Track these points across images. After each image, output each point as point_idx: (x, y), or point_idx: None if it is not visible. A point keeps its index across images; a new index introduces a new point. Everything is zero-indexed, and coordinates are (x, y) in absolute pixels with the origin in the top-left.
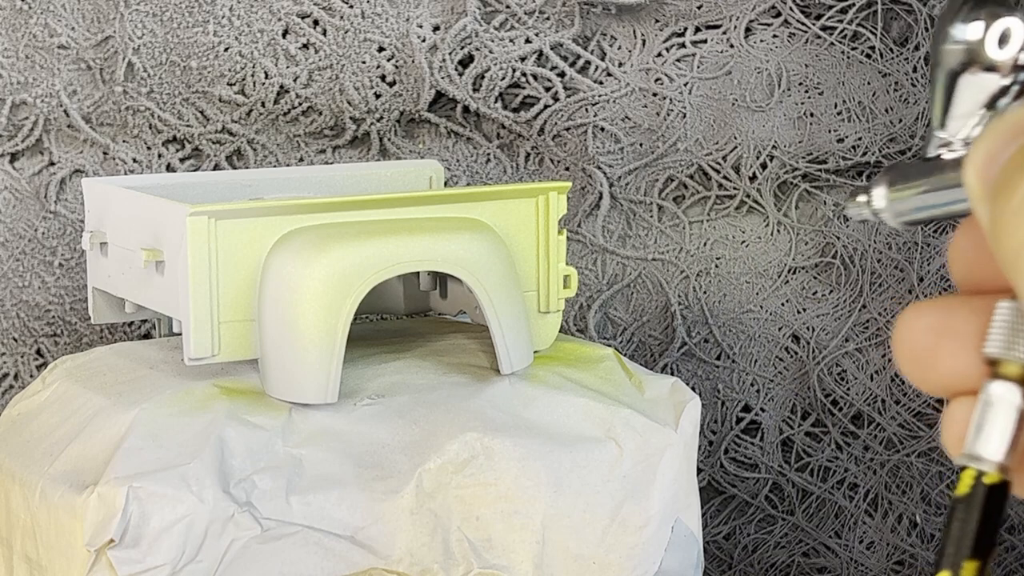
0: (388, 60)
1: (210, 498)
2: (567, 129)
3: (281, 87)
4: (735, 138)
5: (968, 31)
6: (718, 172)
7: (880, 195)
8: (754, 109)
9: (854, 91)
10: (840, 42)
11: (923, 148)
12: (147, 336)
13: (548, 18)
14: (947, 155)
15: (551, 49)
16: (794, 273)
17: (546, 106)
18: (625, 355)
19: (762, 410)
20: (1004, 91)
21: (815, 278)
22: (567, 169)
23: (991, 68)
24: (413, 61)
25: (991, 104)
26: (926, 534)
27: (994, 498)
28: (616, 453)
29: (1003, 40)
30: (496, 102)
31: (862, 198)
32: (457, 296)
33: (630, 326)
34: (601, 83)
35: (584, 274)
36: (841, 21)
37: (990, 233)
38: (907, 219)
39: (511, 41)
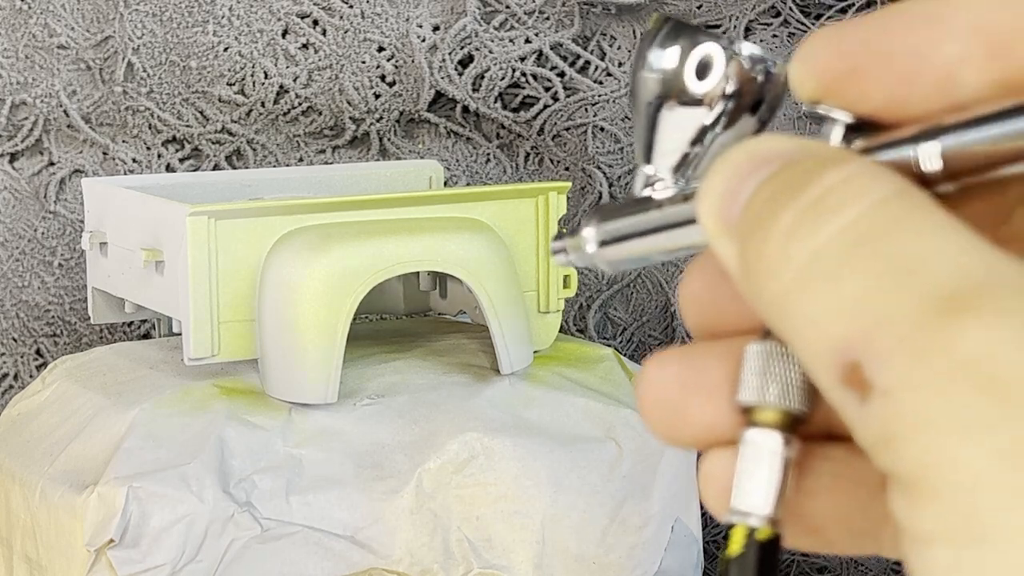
0: (388, 60)
1: (210, 498)
2: (567, 129)
3: (281, 87)
4: None
5: (664, 59)
6: None
7: (590, 239)
8: None
9: None
10: None
11: (630, 186)
12: (147, 336)
13: (548, 18)
14: (658, 192)
15: (551, 49)
16: None
17: (546, 106)
18: (625, 355)
19: None
20: (712, 125)
21: None
22: (567, 169)
23: (692, 101)
24: (413, 61)
25: (699, 139)
26: None
27: (768, 554)
28: (616, 453)
29: (703, 70)
30: (496, 102)
31: (567, 242)
32: (457, 296)
33: (630, 326)
34: (601, 83)
35: (584, 274)
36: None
37: (744, 276)
38: (622, 263)
39: (511, 41)
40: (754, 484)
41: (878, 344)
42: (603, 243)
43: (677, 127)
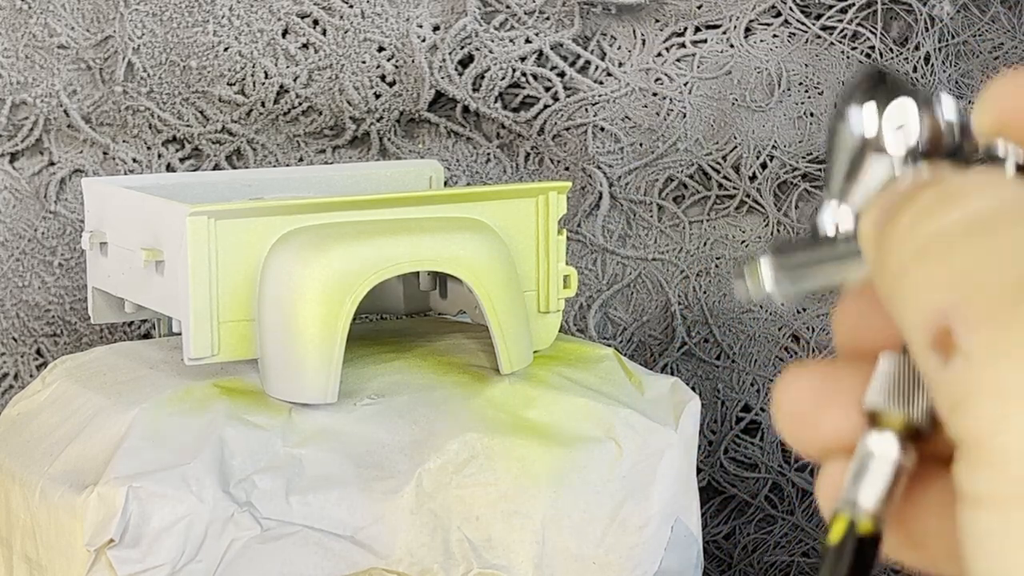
0: (388, 60)
1: (210, 498)
2: (567, 129)
3: (281, 87)
4: (735, 138)
5: (865, 118)
6: (718, 172)
7: (769, 276)
8: (754, 109)
9: None
10: (840, 42)
11: (812, 223)
12: (147, 336)
13: (548, 18)
14: (836, 230)
15: (551, 49)
16: None
17: (546, 106)
18: (625, 355)
19: (762, 410)
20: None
21: None
22: (567, 169)
23: (887, 151)
24: (413, 61)
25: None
26: None
27: (865, 550)
28: (616, 453)
29: (900, 127)
30: (496, 102)
31: (749, 281)
32: (457, 296)
33: (630, 326)
34: (601, 83)
35: (584, 274)
36: (841, 21)
37: (875, 264)
38: (797, 295)
39: (511, 41)
40: (865, 481)
41: (970, 312)
42: (782, 278)
43: (871, 175)
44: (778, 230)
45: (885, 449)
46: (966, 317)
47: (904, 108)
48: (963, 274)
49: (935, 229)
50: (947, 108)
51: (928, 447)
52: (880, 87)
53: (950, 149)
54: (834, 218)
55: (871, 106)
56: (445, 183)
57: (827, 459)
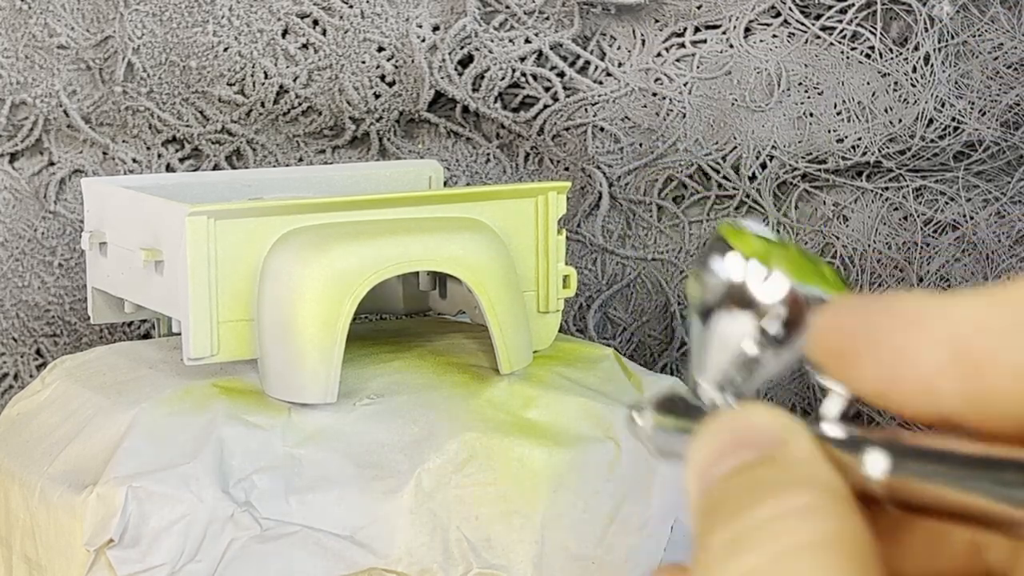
0: (388, 60)
1: (209, 498)
2: (567, 129)
3: (281, 87)
4: (735, 138)
5: (729, 265)
6: (718, 172)
7: (646, 424)
8: (754, 109)
9: (854, 91)
10: (840, 42)
11: (693, 390)
12: (147, 336)
13: (548, 18)
14: (705, 404)
15: (551, 49)
16: None
17: (546, 106)
18: (625, 355)
19: None
20: (760, 347)
21: None
22: (567, 169)
23: (748, 306)
24: (413, 61)
25: (745, 360)
26: None
27: None
28: (615, 453)
29: (767, 279)
30: (496, 102)
31: (634, 415)
32: (456, 296)
33: (630, 326)
34: (601, 83)
35: (583, 274)
36: (841, 21)
37: (695, 558)
38: (671, 458)
39: (511, 41)
40: None
41: None
42: (656, 433)
43: (728, 339)
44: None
45: None
46: None
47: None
48: None
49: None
50: (808, 293)
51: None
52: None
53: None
54: (706, 386)
55: (736, 259)
56: (445, 183)
57: None
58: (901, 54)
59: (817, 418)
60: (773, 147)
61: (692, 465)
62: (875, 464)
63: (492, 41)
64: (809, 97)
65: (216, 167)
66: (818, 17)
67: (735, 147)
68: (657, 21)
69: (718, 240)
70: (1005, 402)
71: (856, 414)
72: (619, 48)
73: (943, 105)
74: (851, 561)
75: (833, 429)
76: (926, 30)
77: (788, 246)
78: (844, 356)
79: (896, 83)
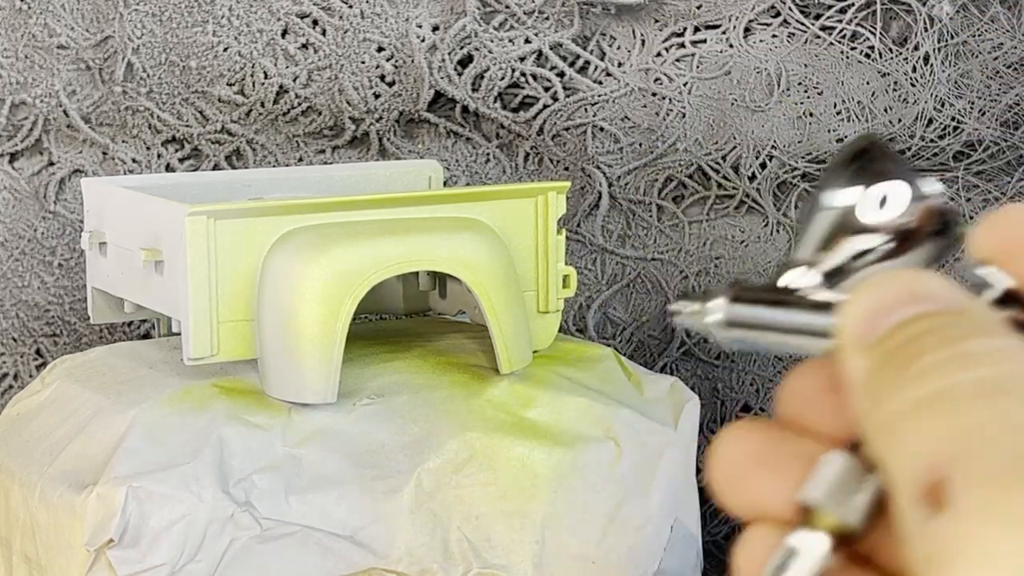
0: (387, 60)
1: (209, 498)
2: (566, 129)
3: (280, 87)
4: (734, 138)
5: (848, 195)
6: (717, 172)
7: (718, 315)
8: (753, 109)
9: (853, 91)
10: (839, 42)
11: (775, 273)
12: (147, 336)
13: (547, 18)
14: (801, 288)
15: (550, 49)
16: None
17: (545, 106)
18: (624, 355)
19: (762, 410)
20: (879, 251)
21: None
22: (566, 169)
23: (867, 230)
24: (412, 61)
25: (862, 257)
26: None
27: None
28: (615, 453)
29: (883, 203)
30: (495, 102)
31: (695, 307)
32: (456, 296)
33: (629, 326)
34: (600, 83)
35: (583, 274)
36: (840, 21)
37: (866, 392)
38: (739, 344)
39: (510, 41)
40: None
41: (970, 469)
42: (730, 324)
43: (848, 245)
44: (777, 230)
45: (813, 548)
46: (965, 474)
47: (890, 188)
48: (968, 432)
49: (943, 386)
50: (934, 201)
51: (851, 547)
52: (868, 161)
53: (929, 240)
54: (803, 283)
55: (856, 189)
56: (445, 183)
57: (752, 521)
58: (901, 54)
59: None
60: (773, 147)
61: (857, 311)
62: None
63: (492, 41)
64: (809, 97)
65: (216, 167)
66: (818, 17)
67: (735, 147)
68: (657, 21)
69: (847, 157)
70: None
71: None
72: (619, 48)
73: (943, 105)
74: None
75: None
76: (926, 30)
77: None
78: (1010, 247)
79: (896, 83)
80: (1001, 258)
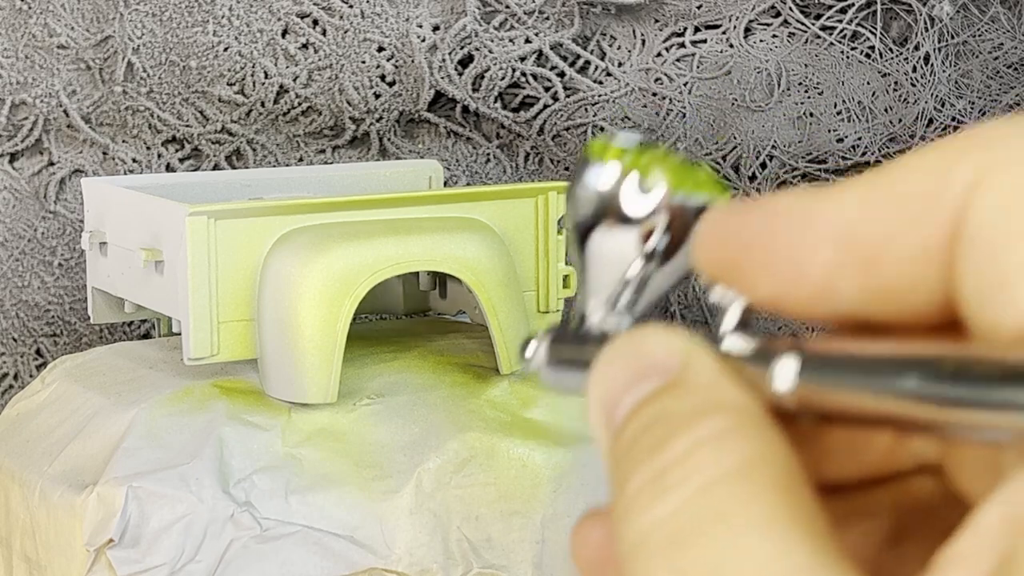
0: (388, 60)
1: (209, 498)
2: (567, 129)
3: (281, 87)
4: (735, 138)
5: (601, 179)
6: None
7: (539, 356)
8: (754, 109)
9: (854, 91)
10: (840, 42)
11: (582, 318)
12: (147, 336)
13: (548, 18)
14: (607, 327)
15: (551, 49)
16: None
17: (546, 106)
18: None
19: None
20: (647, 259)
21: None
22: (567, 169)
23: (626, 221)
24: (413, 61)
25: (637, 275)
26: None
27: None
28: None
29: (643, 190)
30: (496, 102)
31: (526, 347)
32: (457, 296)
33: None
34: (601, 83)
35: None
36: (841, 21)
37: (611, 500)
38: (564, 387)
39: (511, 41)
40: None
41: None
42: (550, 365)
43: (609, 257)
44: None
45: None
46: None
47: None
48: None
49: (641, 529)
50: (688, 201)
51: None
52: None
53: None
54: (601, 318)
55: (613, 168)
56: (445, 183)
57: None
58: (901, 54)
59: (717, 335)
60: (773, 147)
61: (595, 403)
62: (782, 376)
63: (492, 41)
64: (809, 97)
65: (216, 167)
66: (818, 17)
67: (735, 147)
68: (657, 21)
69: (589, 154)
70: (901, 290)
71: (760, 324)
72: (619, 48)
73: (943, 105)
74: (775, 483)
75: (736, 343)
76: (926, 30)
77: (663, 152)
78: (732, 265)
79: (896, 83)
80: (727, 275)
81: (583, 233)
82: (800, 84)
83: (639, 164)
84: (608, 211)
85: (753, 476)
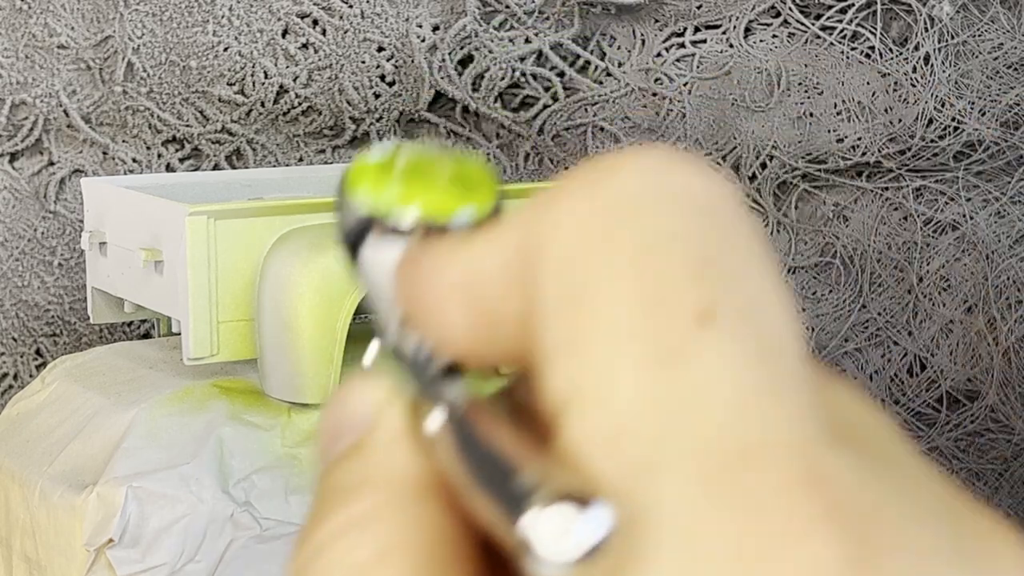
0: (388, 60)
1: (209, 498)
2: (567, 129)
3: (281, 87)
4: (735, 138)
5: (357, 209)
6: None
7: (371, 358)
8: (754, 109)
9: (854, 91)
10: (840, 42)
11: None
12: (146, 336)
13: (548, 18)
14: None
15: (551, 49)
16: (794, 273)
17: (546, 106)
18: None
19: None
20: None
21: (815, 278)
22: (567, 169)
23: (387, 251)
24: (413, 61)
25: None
26: None
27: None
28: None
29: (399, 219)
30: (496, 102)
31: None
32: None
33: None
34: (601, 83)
35: None
36: (841, 21)
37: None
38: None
39: (511, 41)
40: None
41: None
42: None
43: (376, 283)
44: (778, 230)
45: None
46: None
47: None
48: None
49: None
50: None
51: None
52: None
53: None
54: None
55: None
56: None
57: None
58: (901, 54)
59: (419, 365)
60: (773, 147)
61: (316, 448)
62: (430, 425)
63: (492, 41)
64: (809, 97)
65: (216, 167)
66: (818, 17)
67: (735, 147)
68: (657, 21)
69: (346, 180)
70: (515, 349)
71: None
72: (619, 48)
73: (943, 105)
74: (412, 572)
75: (433, 383)
76: (926, 30)
77: (431, 164)
78: (429, 309)
79: (896, 83)
80: (425, 318)
81: (351, 251)
82: (800, 84)
83: (393, 193)
84: (369, 241)
85: (390, 565)
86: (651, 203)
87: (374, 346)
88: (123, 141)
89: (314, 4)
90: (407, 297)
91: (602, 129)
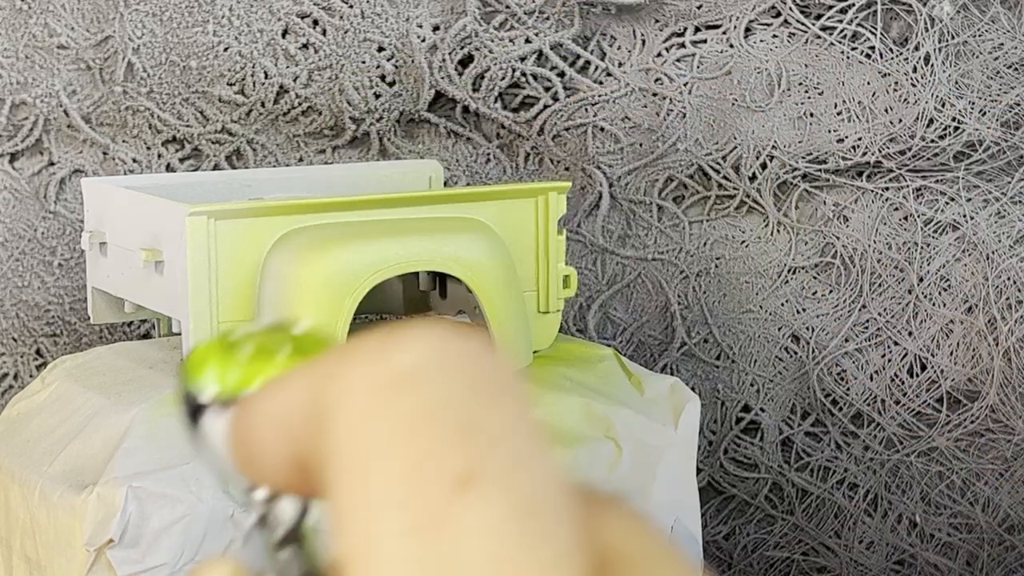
0: (388, 60)
1: (209, 498)
2: (567, 129)
3: (281, 87)
4: (735, 138)
5: (195, 396)
6: (718, 172)
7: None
8: (754, 109)
9: (854, 91)
10: (840, 42)
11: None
12: (146, 336)
13: (548, 18)
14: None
15: (551, 49)
16: (794, 273)
17: (546, 106)
18: (625, 355)
19: (762, 410)
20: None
21: (815, 278)
22: (567, 169)
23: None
24: (413, 61)
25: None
26: (926, 534)
27: None
28: (615, 453)
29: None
30: (496, 102)
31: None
32: (457, 296)
33: (630, 326)
34: (601, 83)
35: (584, 274)
36: (841, 21)
37: None
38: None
39: (511, 41)
40: None
41: None
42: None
43: (212, 452)
44: (778, 230)
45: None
46: None
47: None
48: None
49: None
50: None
51: None
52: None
53: None
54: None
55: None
56: (445, 183)
57: None
58: (901, 54)
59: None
60: (773, 147)
61: None
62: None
63: (492, 41)
64: (809, 97)
65: (216, 167)
66: (818, 17)
67: (735, 147)
68: (657, 21)
69: (189, 365)
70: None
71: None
72: (619, 48)
73: (943, 105)
74: None
75: (272, 553)
76: (926, 30)
77: (271, 344)
78: (257, 464)
79: (896, 83)
80: (256, 473)
81: (192, 421)
82: (800, 84)
83: (235, 377)
84: (211, 405)
85: None
86: (428, 375)
87: (246, 528)
88: (123, 141)
89: (314, 4)
90: (237, 441)
91: (602, 129)
